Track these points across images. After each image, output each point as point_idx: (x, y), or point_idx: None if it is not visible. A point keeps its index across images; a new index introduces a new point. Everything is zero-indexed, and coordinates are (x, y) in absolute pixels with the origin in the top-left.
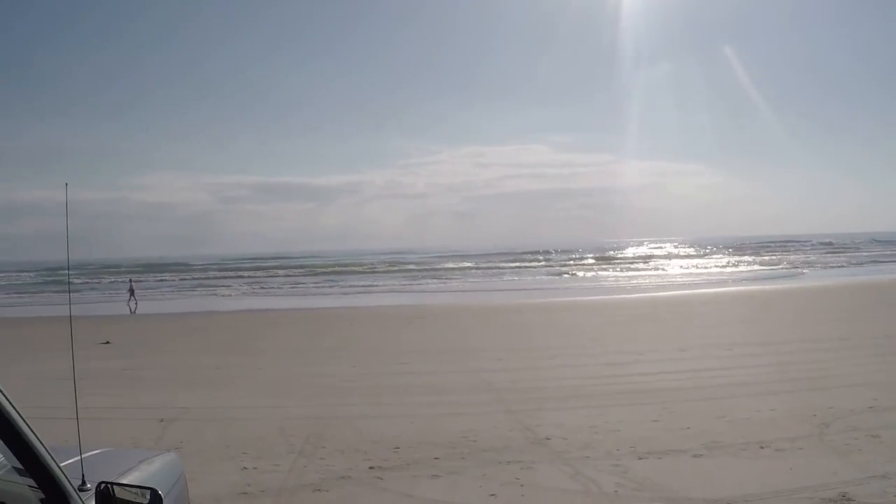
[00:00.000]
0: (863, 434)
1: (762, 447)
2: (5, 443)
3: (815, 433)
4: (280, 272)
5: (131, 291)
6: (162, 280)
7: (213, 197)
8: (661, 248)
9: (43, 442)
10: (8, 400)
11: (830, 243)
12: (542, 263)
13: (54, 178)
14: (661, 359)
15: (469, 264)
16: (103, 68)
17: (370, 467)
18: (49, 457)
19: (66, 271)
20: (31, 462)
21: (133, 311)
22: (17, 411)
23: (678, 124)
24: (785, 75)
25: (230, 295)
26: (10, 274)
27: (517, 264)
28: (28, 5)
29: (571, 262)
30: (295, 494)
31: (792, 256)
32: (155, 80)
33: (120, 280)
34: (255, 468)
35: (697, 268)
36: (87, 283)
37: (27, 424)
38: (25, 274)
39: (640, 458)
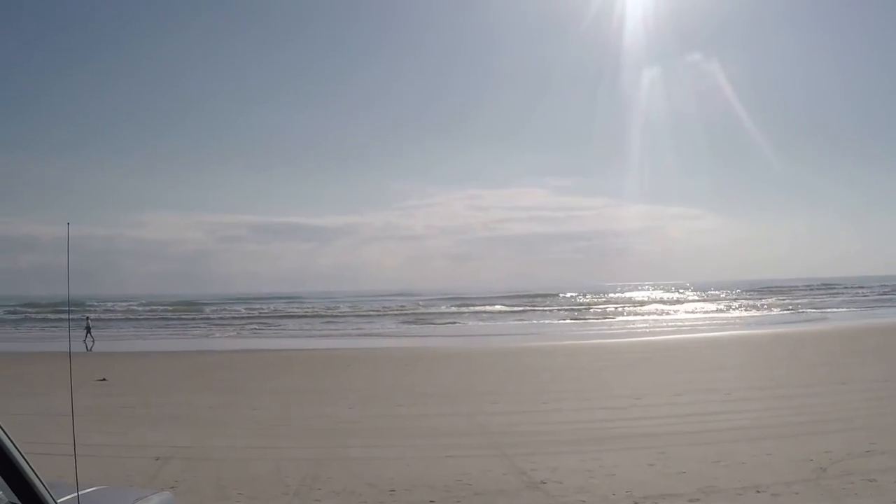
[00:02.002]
0: (859, 478)
1: (758, 492)
2: (4, 478)
3: (811, 478)
4: (277, 312)
5: (87, 329)
6: (158, 318)
7: (211, 236)
8: (659, 291)
9: (41, 478)
10: (7, 436)
11: (832, 286)
12: (540, 307)
13: (51, 214)
14: (657, 403)
15: (467, 307)
16: (107, 109)
17: None
18: (47, 493)
19: (67, 308)
20: (29, 498)
21: (89, 348)
22: (17, 447)
23: (676, 169)
24: (785, 120)
25: (226, 335)
26: (5, 308)
27: (514, 307)
28: (33, 45)
29: (569, 306)
30: None
31: (794, 300)
32: (157, 122)
33: (110, 318)
34: None
35: (696, 312)
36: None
37: (26, 460)
38: (21, 308)
39: (636, 503)
